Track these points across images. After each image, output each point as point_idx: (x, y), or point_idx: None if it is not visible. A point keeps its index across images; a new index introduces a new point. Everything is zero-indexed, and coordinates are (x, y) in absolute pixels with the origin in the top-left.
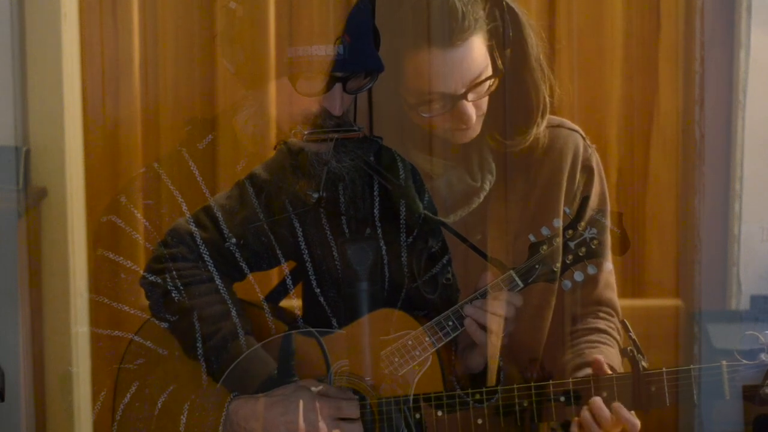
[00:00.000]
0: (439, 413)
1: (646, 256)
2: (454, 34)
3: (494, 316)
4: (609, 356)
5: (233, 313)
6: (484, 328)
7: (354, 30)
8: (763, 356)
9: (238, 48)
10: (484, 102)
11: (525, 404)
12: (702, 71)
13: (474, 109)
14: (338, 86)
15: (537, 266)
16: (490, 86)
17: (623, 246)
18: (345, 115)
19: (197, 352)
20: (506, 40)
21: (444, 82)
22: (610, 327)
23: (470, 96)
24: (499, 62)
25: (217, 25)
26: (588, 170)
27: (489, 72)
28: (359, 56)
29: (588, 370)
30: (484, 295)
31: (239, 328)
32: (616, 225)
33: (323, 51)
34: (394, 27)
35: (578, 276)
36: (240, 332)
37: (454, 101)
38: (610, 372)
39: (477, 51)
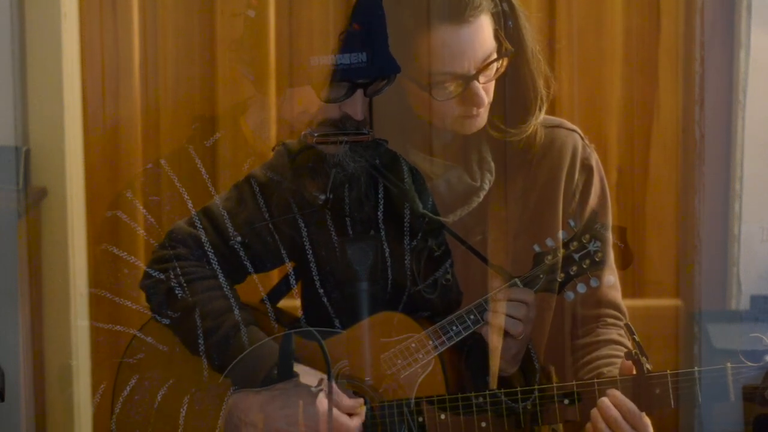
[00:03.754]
0: (442, 416)
1: (646, 256)
2: (467, 9)
3: (512, 319)
4: None
5: (235, 307)
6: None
7: (362, 18)
8: (766, 358)
9: (256, 55)
10: (491, 87)
11: (529, 407)
12: (702, 71)
13: (484, 92)
14: (359, 92)
15: (541, 276)
16: (498, 68)
17: (626, 260)
18: (365, 119)
19: (199, 348)
20: (507, 29)
21: (457, 61)
22: (621, 335)
23: (481, 78)
24: (506, 43)
25: (233, 33)
26: (587, 169)
27: (496, 54)
28: (381, 62)
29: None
30: (486, 303)
31: (240, 321)
32: (619, 239)
33: (347, 60)
34: (405, 7)
35: (581, 288)
36: (241, 325)
37: (466, 83)
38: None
39: (486, 31)
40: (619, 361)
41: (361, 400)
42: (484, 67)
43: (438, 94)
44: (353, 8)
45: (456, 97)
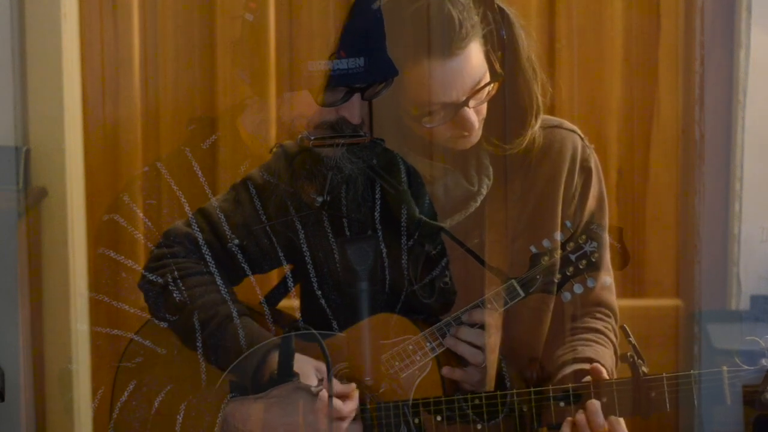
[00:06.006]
0: (438, 418)
1: (646, 256)
2: (453, 43)
3: (473, 348)
4: (602, 355)
5: (228, 299)
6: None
7: (350, 47)
8: (763, 361)
9: (254, 58)
10: (484, 107)
11: (524, 409)
12: (702, 71)
13: (475, 116)
14: (357, 95)
15: (538, 276)
16: (489, 91)
17: (623, 260)
18: (362, 122)
19: (197, 343)
20: (500, 42)
21: (445, 92)
22: (606, 328)
23: (471, 103)
24: (497, 66)
25: (233, 36)
26: (586, 171)
27: (488, 77)
28: (378, 66)
29: (576, 366)
30: (483, 304)
31: (234, 310)
32: (616, 240)
33: (345, 64)
34: (393, 40)
35: (578, 288)
36: (235, 315)
37: (455, 110)
38: (607, 377)
39: (475, 58)
40: (597, 346)
41: (353, 385)
42: (474, 93)
43: (427, 122)
44: (341, 34)
45: (446, 123)
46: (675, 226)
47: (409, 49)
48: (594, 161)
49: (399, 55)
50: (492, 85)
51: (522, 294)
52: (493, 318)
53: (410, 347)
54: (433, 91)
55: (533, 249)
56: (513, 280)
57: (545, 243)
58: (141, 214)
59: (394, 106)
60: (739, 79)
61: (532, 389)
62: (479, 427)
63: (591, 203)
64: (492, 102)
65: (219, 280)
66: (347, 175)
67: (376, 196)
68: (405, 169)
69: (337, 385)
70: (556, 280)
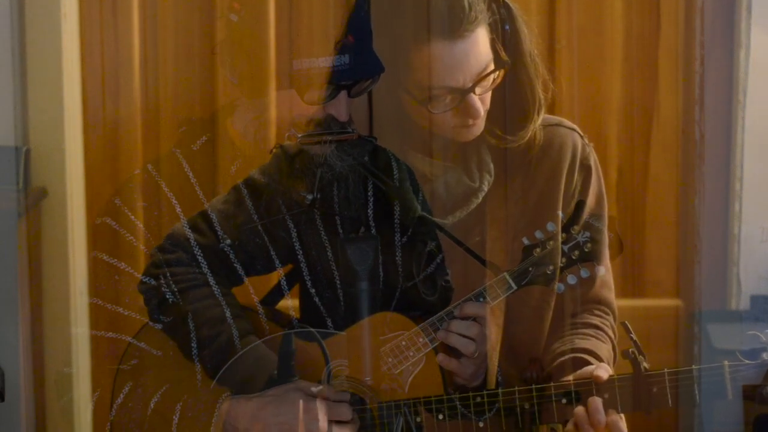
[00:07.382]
0: (440, 417)
1: (646, 256)
2: (461, 25)
3: (464, 338)
4: (599, 348)
5: (229, 316)
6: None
7: (357, 30)
8: (764, 355)
9: (239, 59)
10: (488, 97)
11: (526, 406)
12: (702, 71)
13: (481, 103)
14: (343, 92)
15: (530, 269)
16: (495, 79)
17: (616, 249)
18: (350, 119)
19: (193, 355)
20: (504, 34)
21: (452, 76)
22: (604, 324)
23: (477, 90)
24: (503, 54)
25: (217, 36)
26: (586, 169)
27: (493, 65)
28: (364, 63)
29: (573, 354)
30: (477, 296)
31: (235, 330)
32: (609, 228)
33: (330, 62)
34: (400, 21)
35: (571, 279)
36: (236, 338)
37: (462, 96)
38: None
39: (482, 43)
40: (595, 341)
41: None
42: (480, 79)
43: (434, 107)
44: (348, 19)
45: (452, 109)
46: (675, 226)
47: (416, 31)
48: (593, 159)
49: (405, 37)
50: (497, 72)
51: (514, 286)
52: (488, 312)
53: (403, 343)
54: (439, 74)
55: (525, 241)
56: (505, 273)
57: (537, 234)
58: (133, 217)
59: (394, 103)
60: (739, 79)
61: (534, 386)
62: (481, 425)
63: (590, 201)
64: (495, 95)
65: (214, 285)
66: (338, 173)
67: (369, 194)
68: (397, 165)
69: (331, 392)
70: (548, 272)
